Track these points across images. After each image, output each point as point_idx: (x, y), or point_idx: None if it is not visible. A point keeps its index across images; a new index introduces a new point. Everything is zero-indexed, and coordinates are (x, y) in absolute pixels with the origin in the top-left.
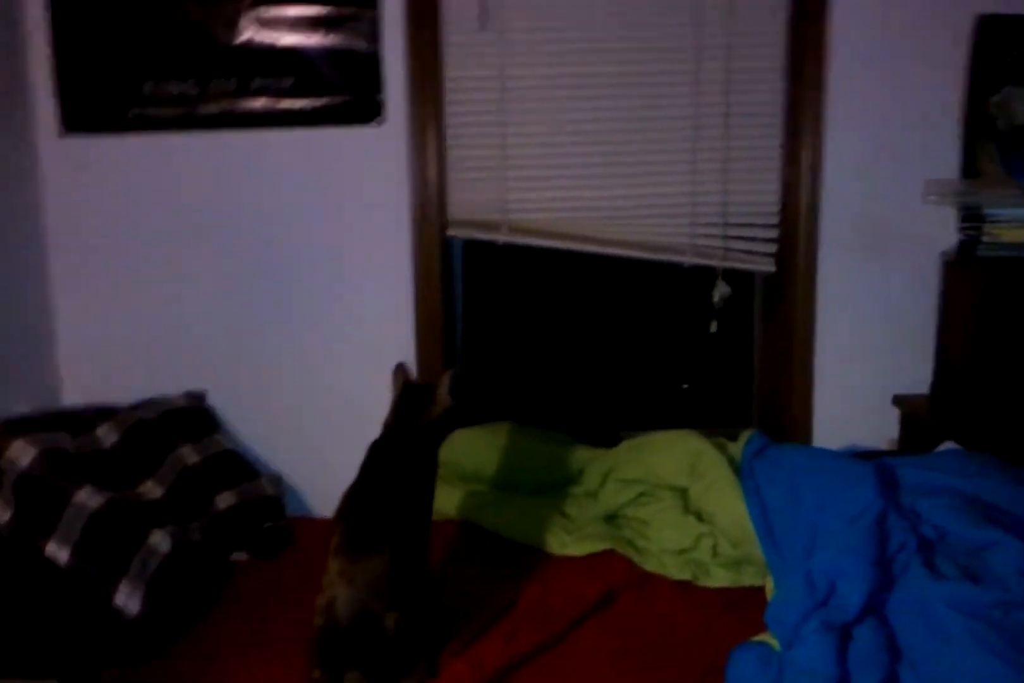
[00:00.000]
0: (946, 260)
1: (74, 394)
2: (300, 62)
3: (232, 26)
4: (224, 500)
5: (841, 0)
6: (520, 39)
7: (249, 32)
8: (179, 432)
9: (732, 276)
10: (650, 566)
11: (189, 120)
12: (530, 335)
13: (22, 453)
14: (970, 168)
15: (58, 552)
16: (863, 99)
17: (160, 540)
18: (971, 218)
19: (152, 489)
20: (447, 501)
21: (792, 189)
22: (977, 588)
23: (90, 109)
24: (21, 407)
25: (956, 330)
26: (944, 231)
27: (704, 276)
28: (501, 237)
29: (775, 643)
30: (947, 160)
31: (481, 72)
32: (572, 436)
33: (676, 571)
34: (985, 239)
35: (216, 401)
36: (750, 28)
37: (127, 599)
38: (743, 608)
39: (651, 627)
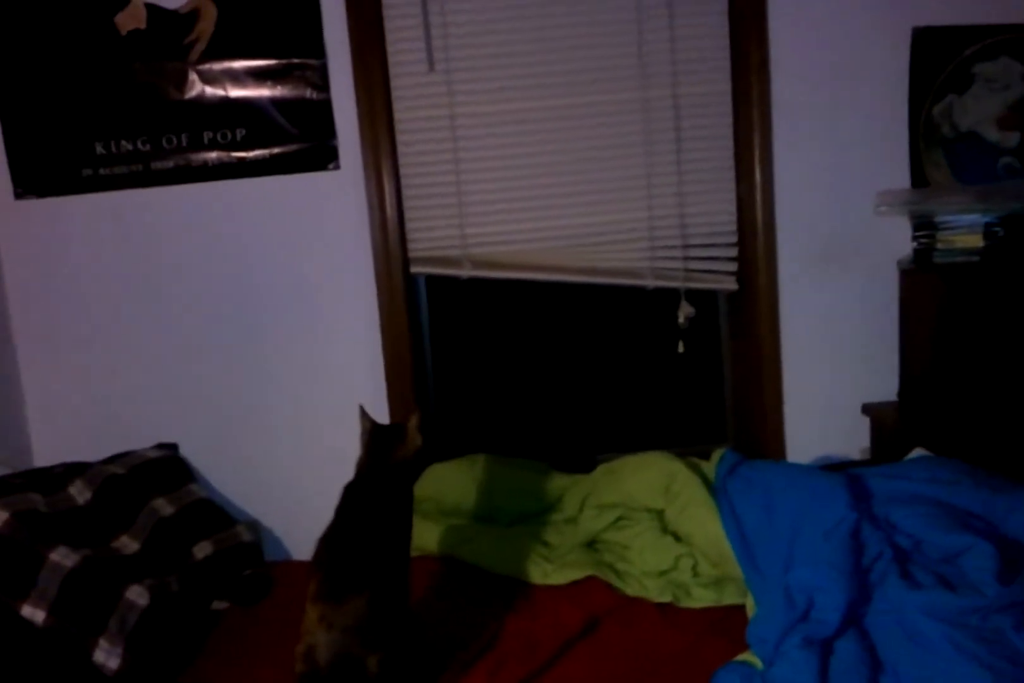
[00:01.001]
0: (903, 269)
1: (45, 453)
2: (251, 113)
3: (180, 83)
4: (201, 549)
5: (779, 21)
6: (467, 78)
7: (198, 87)
8: (152, 484)
9: (696, 296)
10: (632, 590)
11: (143, 177)
12: (500, 365)
13: None
14: (919, 177)
15: (35, 613)
16: (809, 115)
17: (138, 594)
18: (924, 226)
19: (128, 543)
20: (427, 536)
21: (747, 207)
22: (953, 595)
23: (42, 172)
24: None
25: (918, 337)
26: (900, 240)
27: (668, 297)
28: (464, 272)
29: (758, 662)
30: (897, 170)
31: (431, 112)
32: (549, 463)
33: (657, 593)
34: (939, 246)
35: (188, 451)
36: (693, 54)
37: (107, 656)
38: (725, 627)
39: (635, 652)
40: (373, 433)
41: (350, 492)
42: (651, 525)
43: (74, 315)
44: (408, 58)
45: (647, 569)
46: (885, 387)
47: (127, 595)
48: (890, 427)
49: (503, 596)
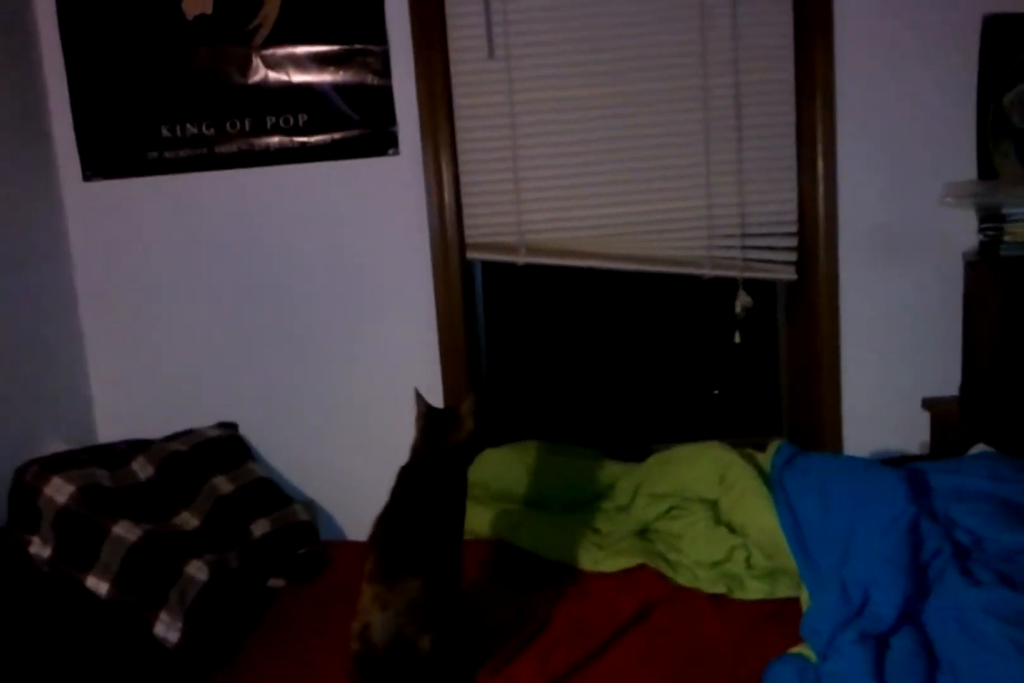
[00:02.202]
0: (968, 261)
1: (109, 429)
2: (313, 99)
3: (244, 67)
4: (259, 527)
5: (844, 9)
6: (527, 65)
7: (261, 72)
8: (213, 462)
9: (754, 286)
10: (684, 580)
11: (207, 160)
12: (555, 353)
13: (60, 490)
14: (987, 168)
15: (98, 585)
16: (874, 105)
17: (197, 570)
18: (990, 218)
19: (188, 520)
20: (479, 521)
21: (808, 197)
22: (1015, 593)
23: (110, 154)
24: (57, 445)
25: (982, 331)
26: (965, 232)
27: (726, 287)
28: (520, 258)
29: (812, 655)
30: (964, 161)
31: (491, 99)
32: (601, 451)
33: (710, 584)
34: (1007, 239)
35: (248, 430)
36: (757, 41)
37: (167, 629)
38: (779, 620)
39: (687, 642)
40: (428, 417)
41: (405, 475)
42: (704, 515)
43: (139, 295)
44: (468, 45)
45: (700, 559)
46: (946, 382)
47: (187, 570)
48: (951, 422)
49: (554, 581)
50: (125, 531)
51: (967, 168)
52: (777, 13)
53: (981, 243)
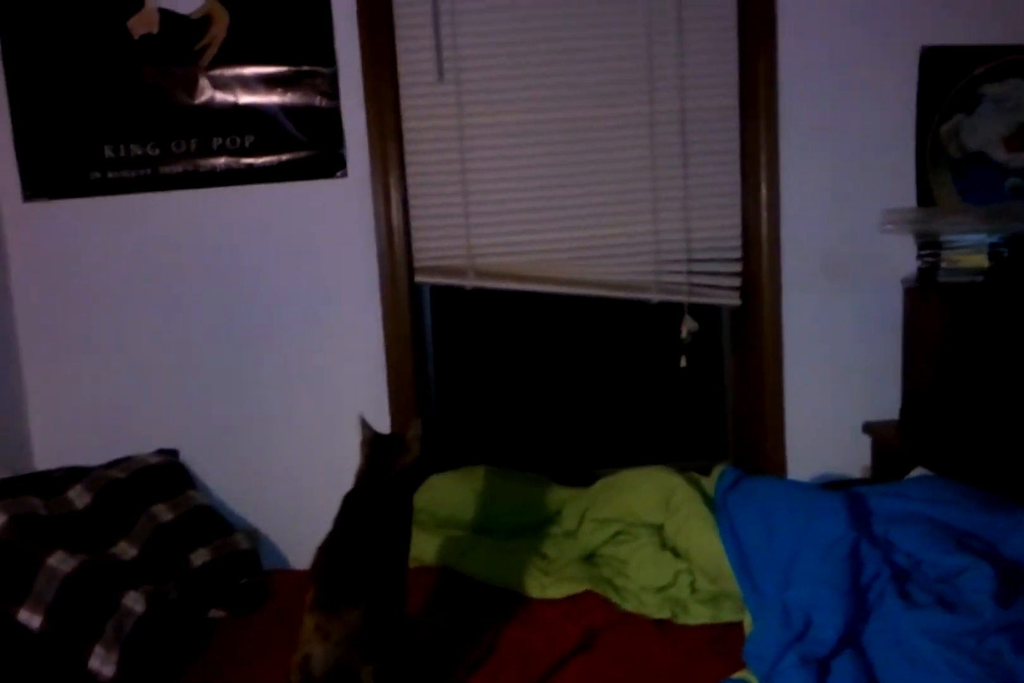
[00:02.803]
0: (907, 287)
1: (46, 457)
2: (261, 120)
3: (191, 87)
4: (199, 557)
5: (788, 37)
6: (477, 88)
7: (208, 93)
8: (152, 490)
9: (699, 310)
10: (629, 605)
11: (151, 181)
12: (502, 377)
13: None
14: (925, 196)
15: (31, 618)
16: (817, 132)
17: (135, 601)
18: (929, 245)
19: (126, 549)
20: (424, 548)
21: (752, 223)
22: (951, 616)
23: (51, 174)
24: None
25: (921, 356)
26: (905, 258)
27: (671, 311)
28: (468, 282)
29: (755, 679)
30: (904, 188)
31: (440, 122)
32: (549, 476)
33: (655, 609)
34: (944, 265)
35: (189, 457)
36: (702, 69)
37: (102, 663)
38: (723, 645)
39: (633, 667)
40: (373, 443)
41: (349, 502)
42: (650, 540)
43: (78, 318)
44: (418, 68)
45: (645, 584)
46: (887, 406)
47: (124, 601)
48: (891, 446)
49: (500, 608)
50: (59, 562)
51: (907, 195)
52: (722, 41)
53: (920, 269)
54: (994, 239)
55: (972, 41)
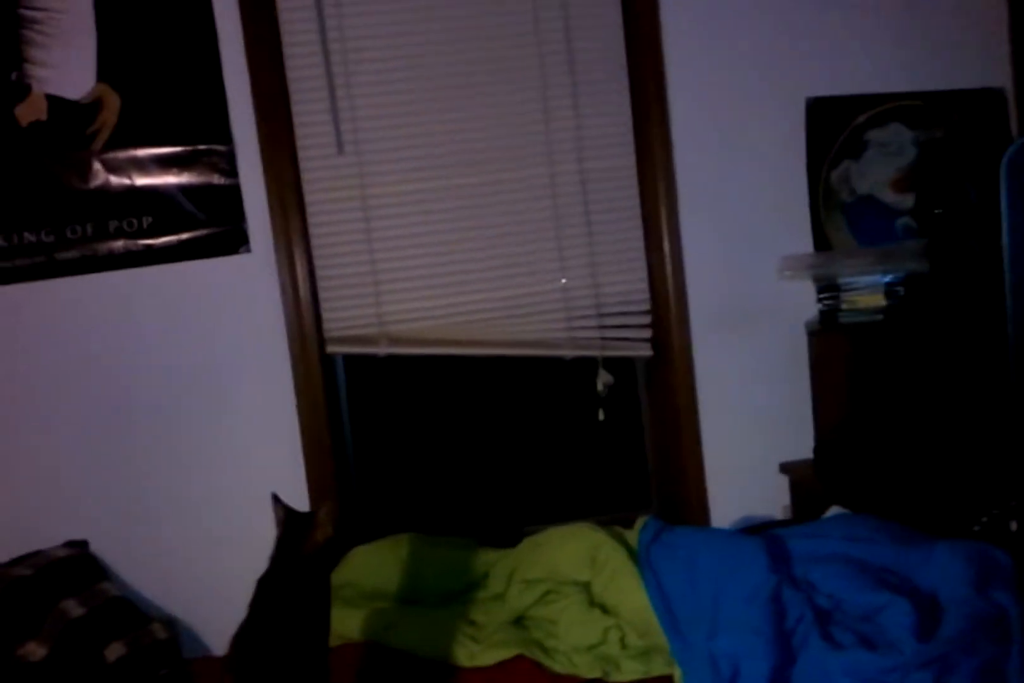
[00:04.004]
0: (810, 330)
1: None
2: (158, 200)
3: (84, 172)
4: (114, 651)
5: (679, 96)
6: (377, 159)
7: (102, 176)
8: (61, 585)
9: (614, 363)
10: (561, 667)
11: (47, 268)
12: (422, 441)
13: None
14: (822, 240)
15: None
16: (713, 185)
17: None
18: (827, 288)
19: (36, 650)
20: (349, 623)
21: (658, 276)
22: (873, 654)
23: None
24: None
25: (829, 395)
26: (806, 302)
27: (586, 366)
28: (381, 350)
29: None
30: (800, 234)
31: (343, 193)
32: (476, 539)
33: (587, 669)
34: (844, 307)
35: (100, 548)
36: (598, 131)
37: None
38: None
39: None
40: (286, 522)
41: (262, 586)
42: (578, 598)
43: None
44: (316, 141)
45: (575, 644)
46: (802, 445)
47: None
48: (807, 485)
49: (430, 681)
50: None
51: (804, 241)
52: (615, 104)
53: (821, 312)
54: (890, 279)
55: (853, 91)
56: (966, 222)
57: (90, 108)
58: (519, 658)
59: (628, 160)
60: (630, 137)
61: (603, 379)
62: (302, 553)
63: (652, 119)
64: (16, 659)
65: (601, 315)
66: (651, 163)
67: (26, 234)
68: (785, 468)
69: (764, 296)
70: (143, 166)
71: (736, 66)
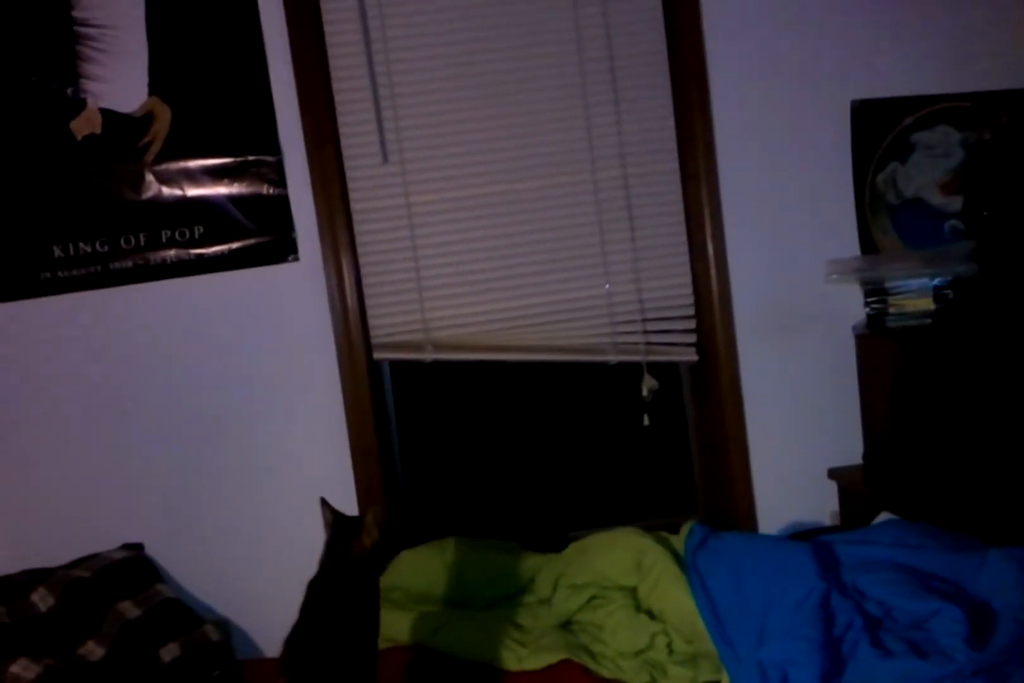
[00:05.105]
0: (858, 334)
1: (6, 559)
2: (208, 211)
3: (137, 184)
4: (169, 652)
5: (722, 99)
6: (420, 167)
7: (154, 188)
8: (118, 587)
9: (659, 368)
10: (608, 672)
11: (101, 277)
12: (468, 446)
13: None
14: (868, 243)
15: None
16: (757, 188)
17: None
18: (875, 292)
19: (94, 650)
20: (397, 626)
21: (702, 280)
22: (924, 662)
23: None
24: None
25: (877, 400)
26: (854, 305)
27: (631, 370)
28: (427, 356)
29: None
30: (846, 238)
31: (387, 201)
32: (521, 543)
33: (633, 675)
34: (892, 310)
35: (154, 550)
36: (640, 136)
37: None
38: None
39: None
40: (334, 526)
41: (312, 589)
42: (624, 603)
43: (35, 416)
44: (362, 151)
45: (622, 649)
46: (851, 451)
47: None
48: (856, 491)
49: None
50: (23, 669)
51: (850, 244)
52: (658, 108)
53: (868, 316)
54: (938, 282)
55: (899, 93)
56: (1015, 224)
57: (142, 121)
58: (566, 662)
59: (671, 165)
60: (673, 142)
61: (648, 384)
62: (351, 557)
63: (695, 123)
64: (76, 658)
65: (645, 320)
66: (694, 168)
67: (81, 244)
68: (833, 474)
69: (810, 300)
70: (194, 177)
71: (779, 69)
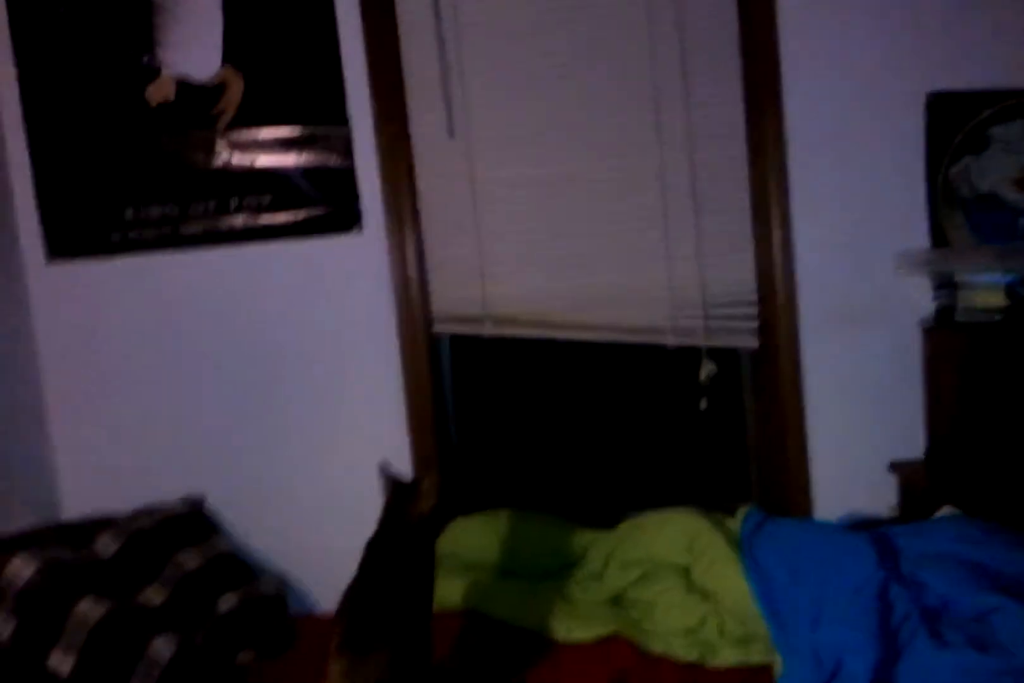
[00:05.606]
0: (925, 327)
1: (73, 506)
2: (277, 180)
3: (208, 151)
4: (226, 602)
5: (794, 88)
6: (486, 144)
7: (225, 155)
8: (178, 537)
9: (718, 352)
10: (657, 648)
11: (171, 240)
12: (523, 422)
13: (22, 569)
14: (939, 237)
15: (60, 664)
16: (827, 178)
17: (162, 647)
18: (944, 286)
19: (153, 596)
20: (451, 591)
21: (767, 267)
22: (984, 655)
23: (74, 236)
24: (21, 523)
25: (943, 395)
26: (921, 299)
27: (690, 354)
28: (485, 330)
29: None
30: (916, 231)
31: (452, 176)
32: (572, 520)
33: (683, 652)
34: (961, 305)
35: (215, 504)
36: (710, 121)
37: None
38: None
39: None
40: (393, 490)
41: (371, 548)
42: (676, 582)
43: (104, 372)
44: (429, 125)
45: (672, 627)
46: (912, 445)
47: (152, 647)
48: (918, 485)
49: (527, 651)
50: (89, 608)
51: (920, 237)
52: (728, 94)
53: (937, 309)
54: (1010, 279)
55: (977, 86)
56: None
57: (215, 90)
58: (615, 636)
59: (739, 151)
60: (742, 128)
61: (706, 368)
62: (409, 520)
63: (765, 110)
64: (137, 603)
65: (707, 304)
66: (763, 155)
67: (153, 208)
68: (895, 467)
69: (877, 291)
70: (264, 146)
71: (854, 58)
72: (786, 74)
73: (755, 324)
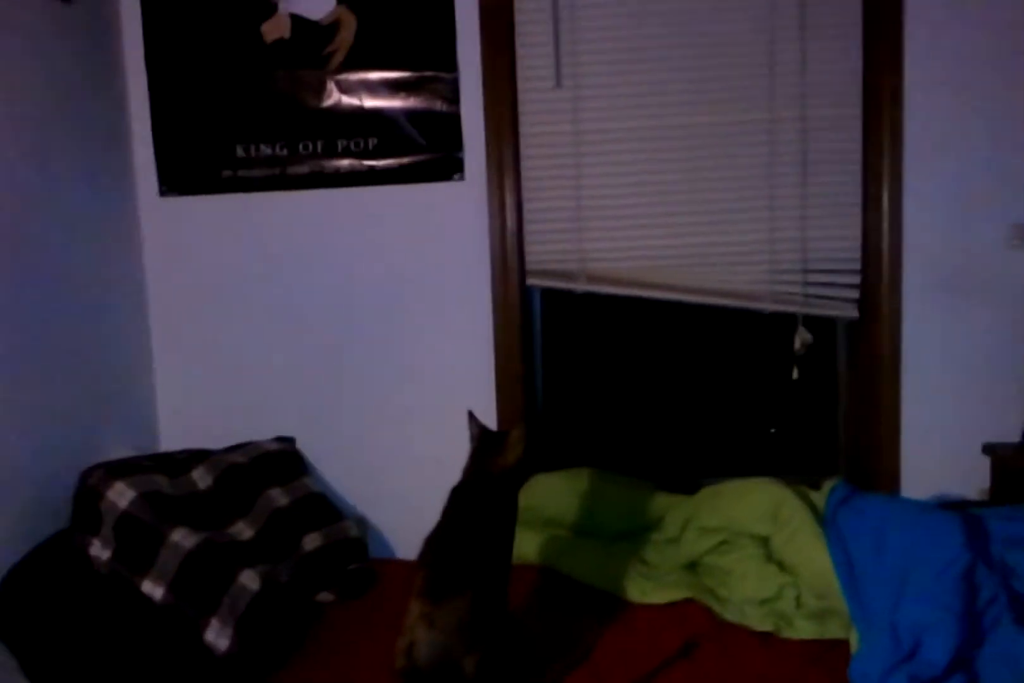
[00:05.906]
0: None
1: (171, 438)
2: (383, 123)
3: (319, 91)
4: (311, 541)
5: (914, 46)
6: (593, 95)
7: (334, 96)
8: (269, 475)
9: (814, 322)
10: (731, 616)
11: (279, 180)
12: (610, 381)
13: (122, 495)
14: None
15: (154, 589)
16: (942, 144)
17: (250, 579)
18: None
19: (243, 530)
20: (527, 546)
21: (873, 234)
22: None
23: (186, 171)
24: (122, 451)
25: None
26: None
27: (785, 322)
28: (579, 286)
29: None
30: None
31: (556, 127)
32: (651, 482)
33: (758, 622)
34: None
35: (305, 445)
36: (824, 77)
37: (217, 636)
38: (827, 661)
39: (732, 679)
40: (480, 438)
41: (456, 495)
42: (755, 552)
43: (207, 307)
44: (536, 74)
45: (748, 596)
46: (1009, 427)
47: (240, 579)
48: (1012, 469)
49: (600, 610)
50: (182, 538)
51: None
52: (846, 50)
53: None
54: None
55: None
56: None
57: (329, 29)
58: (689, 601)
59: (854, 110)
60: (858, 86)
61: (801, 337)
62: (493, 470)
63: (884, 68)
64: (228, 535)
65: (807, 271)
66: (878, 115)
67: (263, 146)
68: (989, 449)
69: (987, 265)
70: (372, 88)
71: (980, 17)
72: (908, 32)
73: (856, 294)
